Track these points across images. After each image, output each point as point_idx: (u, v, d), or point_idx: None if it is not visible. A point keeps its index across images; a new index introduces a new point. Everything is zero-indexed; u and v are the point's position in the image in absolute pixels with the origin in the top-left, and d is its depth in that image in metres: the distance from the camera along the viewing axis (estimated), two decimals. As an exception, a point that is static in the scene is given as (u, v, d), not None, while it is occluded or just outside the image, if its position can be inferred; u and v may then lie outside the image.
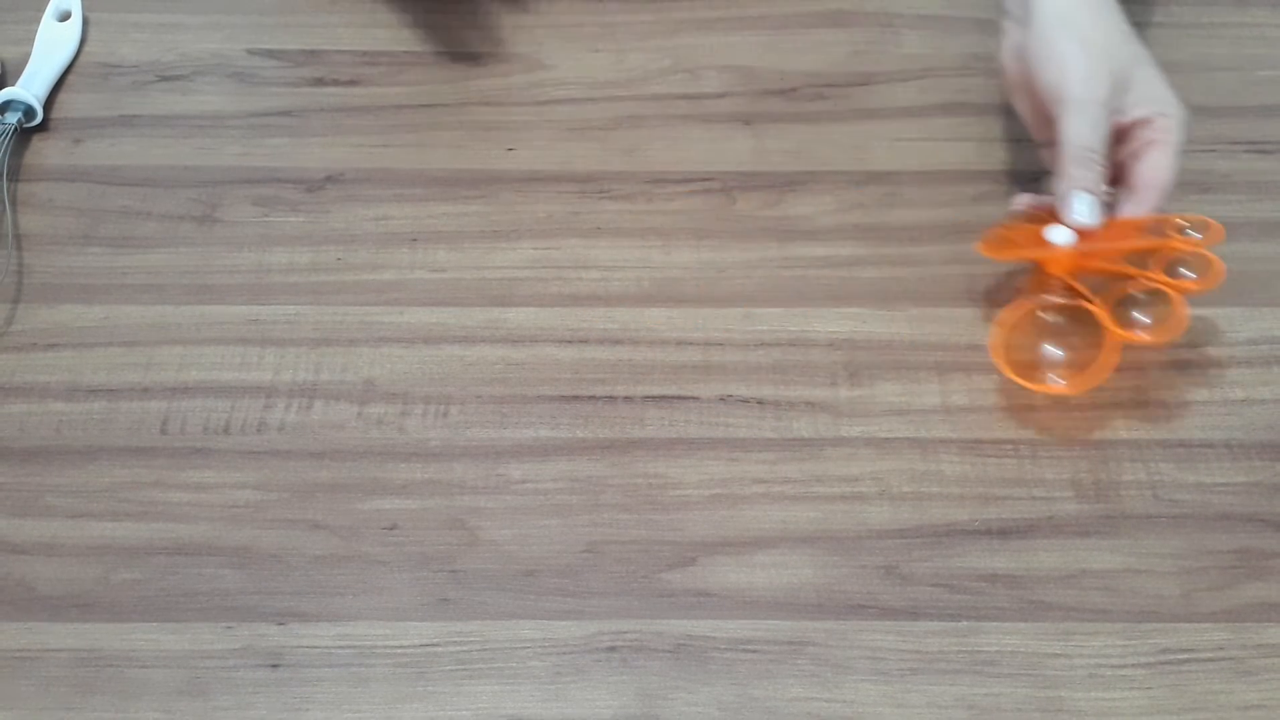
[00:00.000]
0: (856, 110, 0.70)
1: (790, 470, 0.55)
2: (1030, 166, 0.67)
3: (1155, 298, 0.55)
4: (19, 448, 0.55)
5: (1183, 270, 0.56)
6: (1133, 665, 0.49)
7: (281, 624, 0.50)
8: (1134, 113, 0.58)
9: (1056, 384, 0.54)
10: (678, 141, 0.69)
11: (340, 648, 0.49)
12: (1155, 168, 0.57)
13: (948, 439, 0.56)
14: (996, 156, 0.68)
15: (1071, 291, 0.56)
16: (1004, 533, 0.53)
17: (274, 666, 0.49)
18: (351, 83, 0.72)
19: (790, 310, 0.61)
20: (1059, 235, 0.56)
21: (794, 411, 0.57)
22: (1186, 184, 0.67)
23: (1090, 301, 0.55)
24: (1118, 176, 0.59)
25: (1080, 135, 0.56)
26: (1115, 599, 0.51)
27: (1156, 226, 0.57)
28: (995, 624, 0.50)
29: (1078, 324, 0.56)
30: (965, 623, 0.50)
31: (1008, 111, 0.70)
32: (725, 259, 0.63)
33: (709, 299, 0.61)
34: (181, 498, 0.53)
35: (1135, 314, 0.55)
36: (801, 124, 0.70)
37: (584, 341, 0.59)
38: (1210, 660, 0.49)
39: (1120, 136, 0.58)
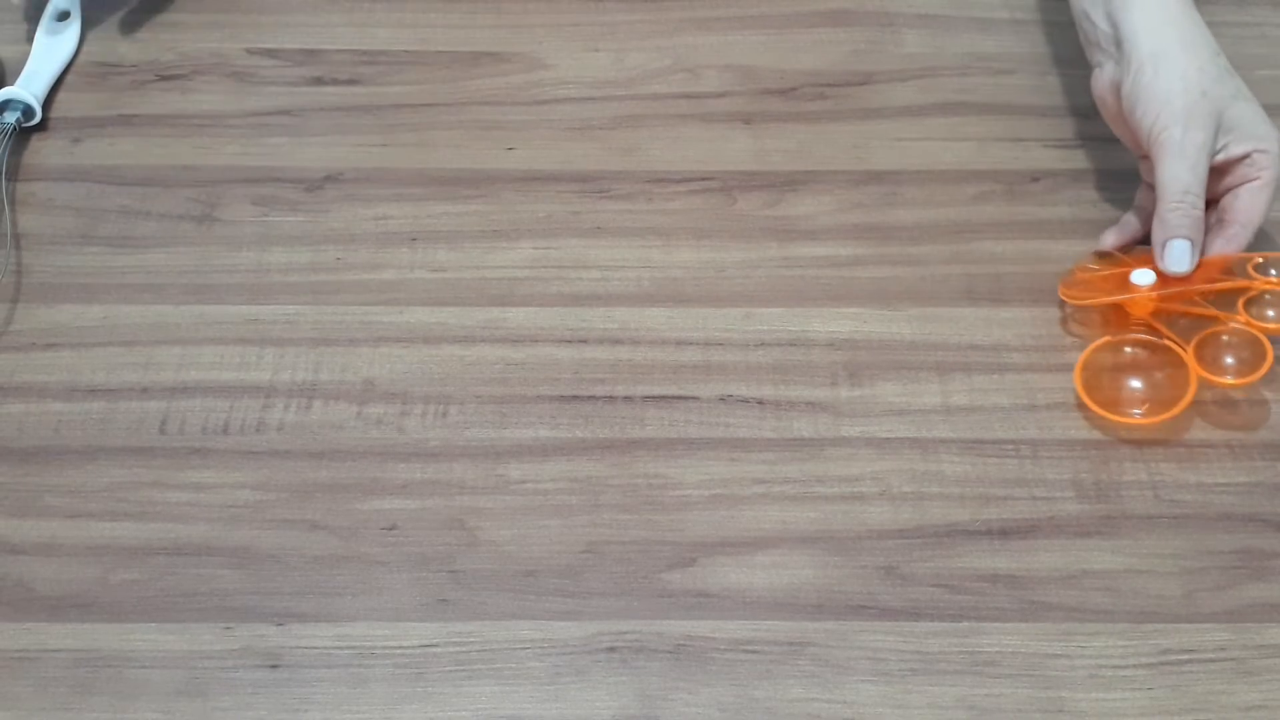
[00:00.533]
0: (856, 110, 0.70)
1: (790, 470, 0.54)
2: (1030, 166, 0.67)
3: (1239, 338, 0.56)
4: (17, 448, 0.55)
5: (1268, 313, 0.57)
6: (1134, 666, 0.49)
7: (280, 624, 0.50)
8: (1233, 150, 0.58)
9: (1135, 416, 0.55)
10: (678, 141, 0.69)
11: (339, 648, 0.49)
12: (1250, 207, 0.58)
13: (948, 439, 0.56)
14: (996, 156, 0.68)
15: (1153, 330, 0.57)
16: (1005, 533, 0.53)
17: (273, 667, 0.49)
18: (351, 82, 0.72)
19: (790, 310, 0.61)
20: (1143, 278, 0.57)
21: (794, 411, 0.57)
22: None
23: (1173, 340, 0.56)
24: (1209, 201, 0.59)
25: (1178, 180, 0.57)
26: (1116, 599, 0.51)
27: (1235, 264, 0.58)
28: (996, 624, 0.50)
29: (1160, 360, 0.56)
30: (966, 623, 0.50)
31: (1008, 111, 0.70)
32: (725, 259, 0.63)
33: (709, 299, 0.61)
34: (180, 498, 0.53)
35: (1218, 354, 0.56)
36: (801, 124, 0.70)
37: (584, 341, 0.59)
38: (1212, 661, 0.49)
39: (1218, 171, 0.59)
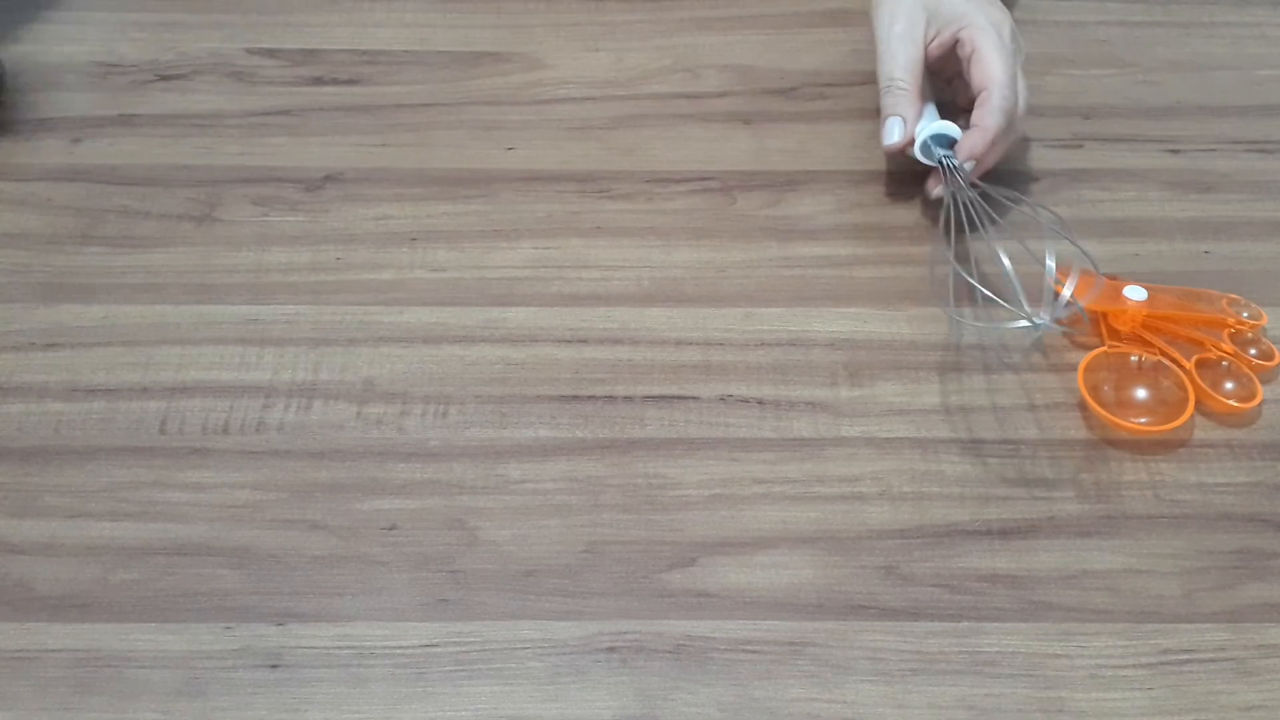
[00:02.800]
0: (856, 110, 0.70)
1: (790, 470, 0.54)
2: (1029, 166, 0.67)
3: (1234, 365, 0.58)
4: (17, 448, 0.55)
5: (1251, 350, 0.59)
6: (1134, 666, 0.49)
7: (280, 624, 0.50)
8: (944, 36, 0.64)
9: (1136, 423, 0.56)
10: (678, 141, 0.69)
11: (339, 648, 0.49)
12: (976, 78, 0.62)
13: (948, 439, 0.56)
14: (997, 156, 0.68)
15: (1145, 344, 0.58)
16: (1005, 533, 0.53)
17: (273, 667, 0.49)
18: (351, 82, 0.72)
19: (790, 310, 0.61)
20: (1135, 294, 0.58)
21: (794, 411, 0.57)
22: (1187, 183, 0.67)
23: (1170, 357, 0.57)
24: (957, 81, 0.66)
25: (885, 71, 0.64)
26: (1116, 599, 0.51)
27: (1209, 298, 0.60)
28: (996, 624, 0.50)
29: (1159, 371, 0.57)
30: (966, 623, 0.50)
31: (1008, 111, 0.70)
32: (725, 259, 0.63)
33: (709, 299, 0.61)
34: (180, 498, 0.53)
35: (1214, 376, 0.57)
36: (801, 123, 0.70)
37: (584, 341, 0.59)
38: (1211, 661, 0.49)
39: (947, 59, 0.65)
